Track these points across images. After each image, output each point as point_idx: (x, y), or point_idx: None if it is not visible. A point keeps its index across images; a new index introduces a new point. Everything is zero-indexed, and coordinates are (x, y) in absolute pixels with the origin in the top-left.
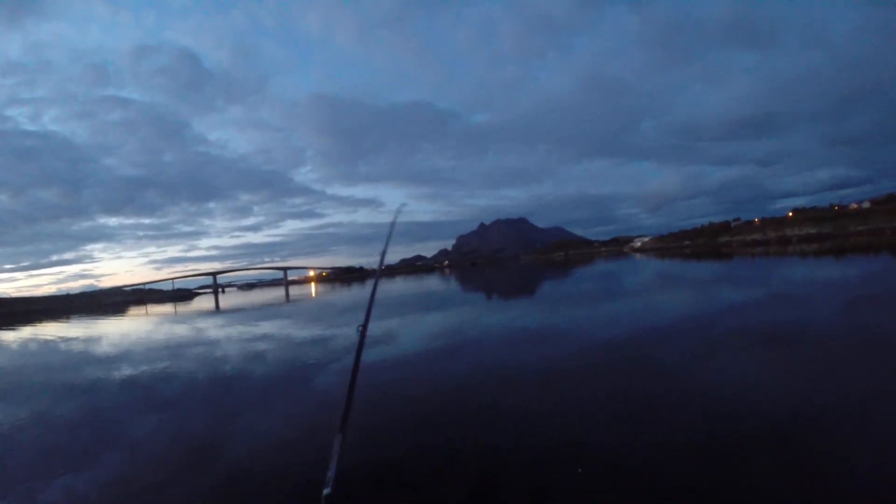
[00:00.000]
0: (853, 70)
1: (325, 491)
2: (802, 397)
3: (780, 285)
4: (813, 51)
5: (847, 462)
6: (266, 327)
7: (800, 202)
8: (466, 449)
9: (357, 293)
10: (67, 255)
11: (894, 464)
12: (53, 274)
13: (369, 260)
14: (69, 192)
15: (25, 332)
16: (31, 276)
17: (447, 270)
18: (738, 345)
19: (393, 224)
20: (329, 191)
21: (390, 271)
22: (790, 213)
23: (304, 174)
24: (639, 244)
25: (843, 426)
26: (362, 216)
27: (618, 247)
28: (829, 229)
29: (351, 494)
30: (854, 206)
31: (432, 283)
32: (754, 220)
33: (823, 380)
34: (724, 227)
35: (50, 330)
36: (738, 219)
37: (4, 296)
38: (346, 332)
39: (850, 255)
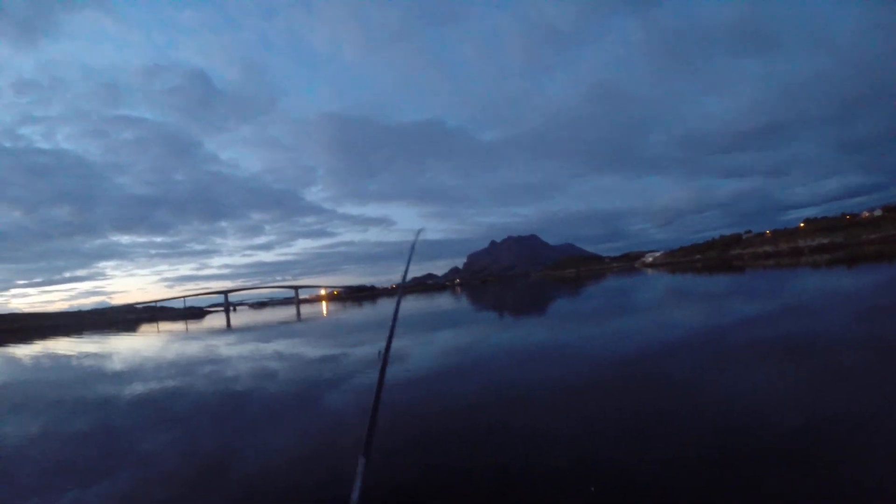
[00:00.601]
0: (860, 73)
1: None
2: (815, 411)
3: (792, 297)
4: (818, 55)
5: (860, 477)
6: (278, 346)
7: (811, 212)
8: (477, 468)
9: (368, 312)
10: (80, 272)
11: None
12: (66, 290)
13: (380, 279)
14: (82, 209)
15: (38, 347)
16: (44, 292)
17: (458, 289)
18: (749, 358)
19: (413, 247)
20: (340, 210)
21: (401, 290)
22: (801, 224)
23: (314, 193)
24: (650, 259)
25: (856, 440)
26: (373, 235)
27: (629, 262)
28: (840, 239)
29: None
30: (866, 214)
31: (443, 301)
32: (765, 232)
33: (837, 393)
34: (736, 240)
35: (62, 346)
36: (749, 231)
37: (17, 311)
38: (358, 353)
39: (862, 265)
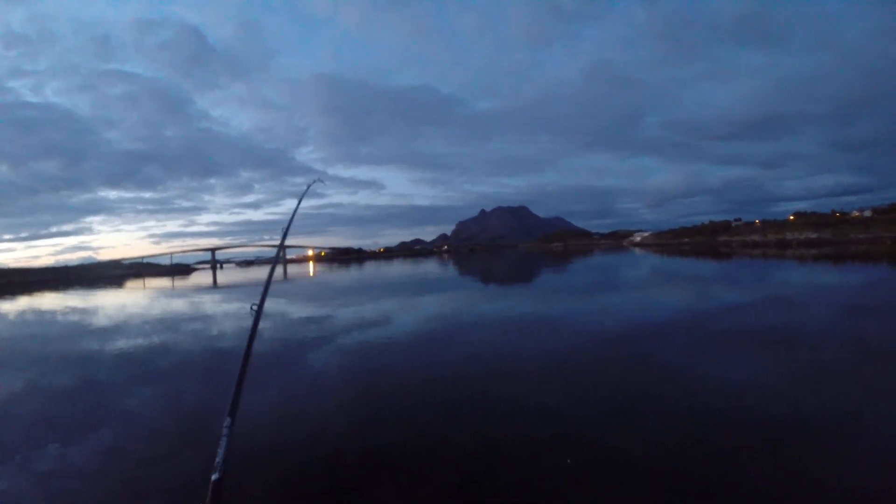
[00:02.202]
0: (862, 76)
1: (214, 476)
2: (794, 400)
3: (778, 289)
4: (822, 53)
5: (835, 465)
6: (264, 306)
7: (801, 206)
8: (458, 435)
9: (355, 275)
10: (66, 227)
11: (883, 468)
12: (52, 245)
13: (367, 242)
14: (70, 164)
15: (22, 303)
16: (30, 247)
17: (445, 255)
18: (732, 345)
19: (303, 195)
20: (330, 171)
21: (389, 254)
22: (791, 217)
23: (305, 154)
24: (638, 239)
25: (836, 434)
26: (363, 198)
27: (617, 240)
28: (829, 235)
29: (342, 477)
30: (856, 213)
31: (430, 267)
32: (755, 222)
33: (816, 385)
34: (725, 227)
35: (48, 301)
36: (738, 219)
37: (2, 266)
38: (342, 314)
39: (848, 263)
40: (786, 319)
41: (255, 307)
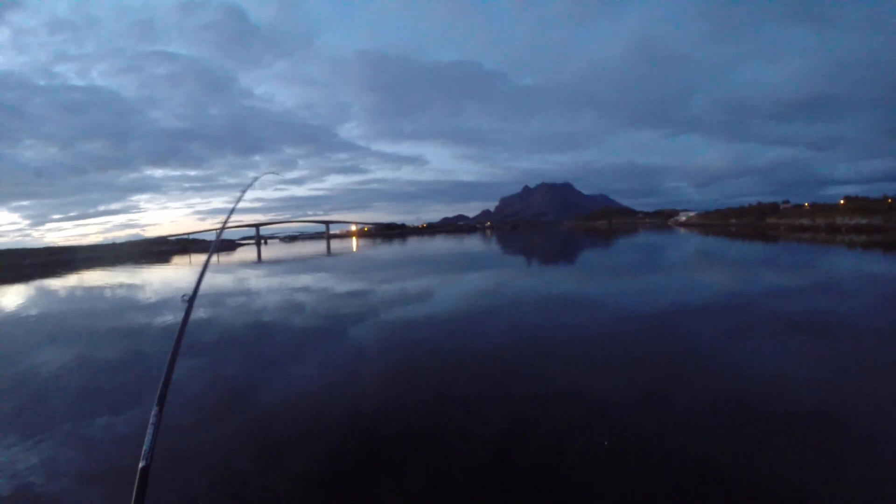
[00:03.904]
0: None
1: (141, 464)
2: (832, 389)
3: (824, 275)
4: (874, 35)
5: (868, 455)
6: (306, 280)
7: (852, 190)
8: (492, 410)
9: (397, 250)
10: (114, 206)
11: None
12: (100, 223)
13: (410, 217)
14: (116, 144)
15: (72, 279)
16: (79, 225)
17: (488, 231)
18: (772, 332)
19: (245, 188)
20: (373, 147)
21: (432, 230)
22: (842, 201)
23: (348, 130)
24: (683, 219)
25: (868, 422)
26: (406, 174)
27: (662, 219)
28: (879, 221)
29: (377, 451)
30: None
31: (473, 243)
32: (804, 205)
33: (856, 374)
34: (773, 209)
35: (96, 277)
36: (787, 201)
37: (52, 245)
38: (383, 289)
39: None
40: (830, 308)
41: (186, 298)
